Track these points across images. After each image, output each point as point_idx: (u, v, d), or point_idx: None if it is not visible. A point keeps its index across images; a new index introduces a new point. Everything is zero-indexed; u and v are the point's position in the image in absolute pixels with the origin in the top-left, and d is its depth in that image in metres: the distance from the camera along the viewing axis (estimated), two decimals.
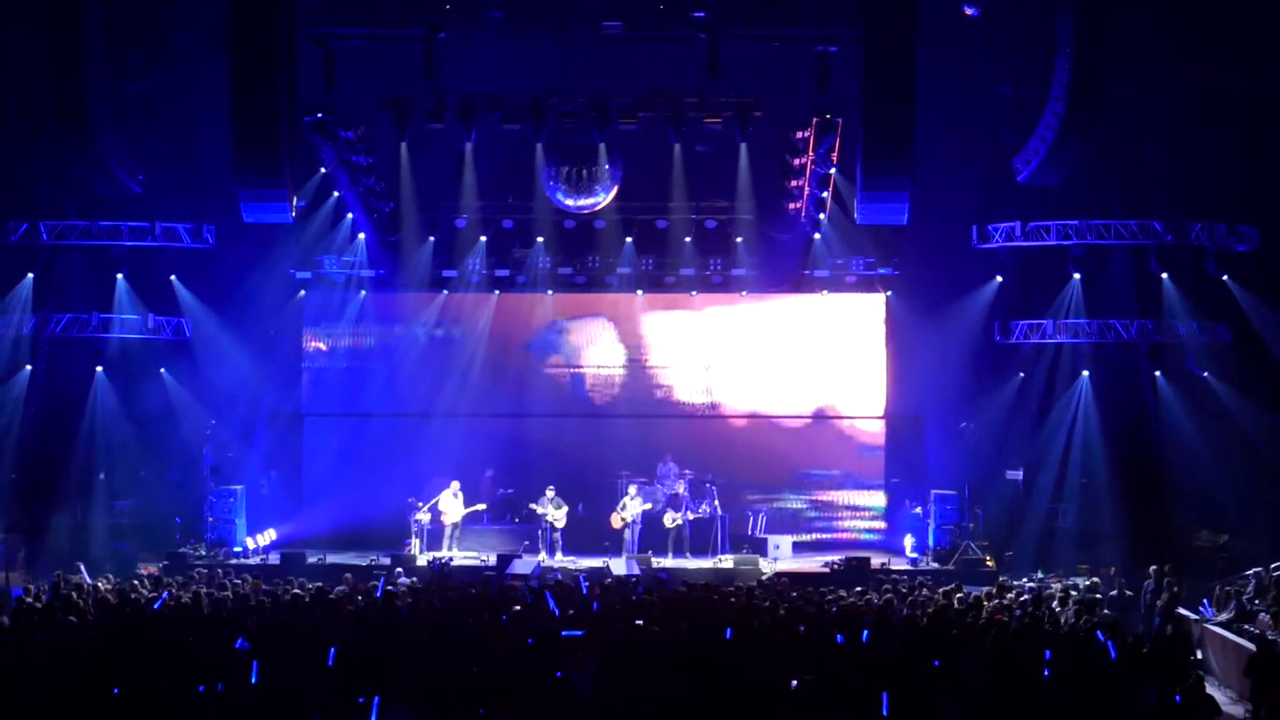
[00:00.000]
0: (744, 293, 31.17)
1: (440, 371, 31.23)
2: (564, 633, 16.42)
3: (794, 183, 29.90)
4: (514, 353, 31.25)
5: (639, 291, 31.20)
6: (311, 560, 26.86)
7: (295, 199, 26.69)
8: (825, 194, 29.19)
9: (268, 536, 29.02)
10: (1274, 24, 26.66)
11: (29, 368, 29.02)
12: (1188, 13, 27.26)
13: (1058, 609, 20.18)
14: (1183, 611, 21.85)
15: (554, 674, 14.72)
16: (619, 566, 25.92)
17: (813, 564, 27.42)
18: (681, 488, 28.81)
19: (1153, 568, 22.72)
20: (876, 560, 27.29)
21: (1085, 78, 26.13)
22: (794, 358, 31.38)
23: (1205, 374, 28.65)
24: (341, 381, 31.45)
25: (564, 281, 31.21)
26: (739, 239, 30.75)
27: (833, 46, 26.74)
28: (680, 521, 28.04)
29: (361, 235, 30.63)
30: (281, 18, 25.13)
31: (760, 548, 28.22)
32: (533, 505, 28.15)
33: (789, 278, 31.14)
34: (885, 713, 13.79)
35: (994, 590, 22.01)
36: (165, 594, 20.19)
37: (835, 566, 26.60)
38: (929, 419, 30.67)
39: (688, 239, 30.68)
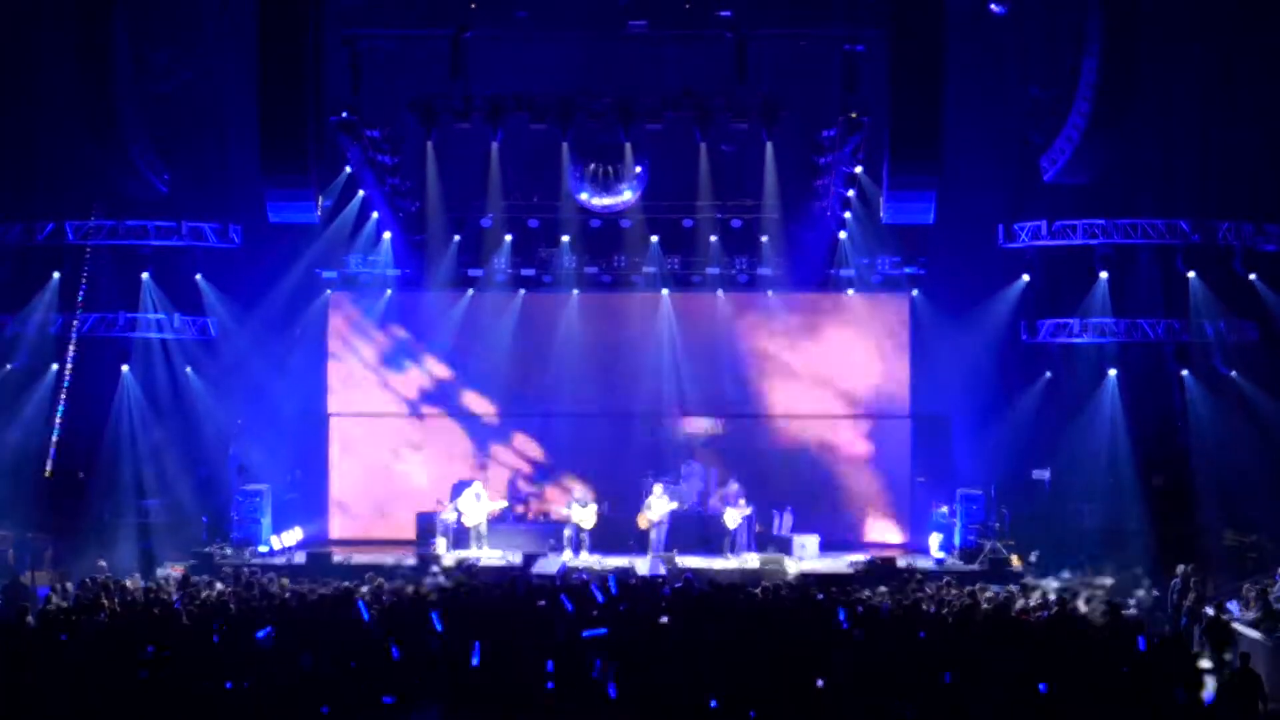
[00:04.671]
0: (770, 292, 31.12)
1: (465, 371, 31.31)
2: (585, 633, 16.35)
3: (820, 182, 29.91)
4: (539, 352, 31.16)
5: (665, 291, 31.15)
6: (337, 559, 26.94)
7: (321, 199, 26.65)
8: (851, 193, 29.09)
9: (293, 536, 29.07)
10: None
11: (55, 367, 29.16)
12: (1215, 12, 27.17)
13: (1084, 609, 20.12)
14: (1209, 611, 21.77)
15: (581, 674, 14.69)
16: (645, 566, 25.91)
17: (838, 563, 27.33)
18: (734, 486, 28.71)
19: (1179, 567, 22.61)
20: (902, 560, 27.23)
21: (1113, 77, 26.07)
22: (819, 357, 31.38)
23: (1233, 373, 28.56)
24: (367, 381, 31.52)
25: (590, 281, 31.19)
26: (765, 238, 30.69)
27: (860, 46, 26.69)
28: (740, 521, 27.98)
29: (387, 235, 30.69)
30: (310, 18, 25.16)
31: (786, 547, 28.15)
32: (558, 505, 28.16)
33: (815, 277, 31.10)
34: (909, 713, 13.78)
35: (1020, 590, 21.97)
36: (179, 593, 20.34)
37: (861, 566, 26.56)
38: (955, 418, 30.62)
39: (714, 238, 30.67)
